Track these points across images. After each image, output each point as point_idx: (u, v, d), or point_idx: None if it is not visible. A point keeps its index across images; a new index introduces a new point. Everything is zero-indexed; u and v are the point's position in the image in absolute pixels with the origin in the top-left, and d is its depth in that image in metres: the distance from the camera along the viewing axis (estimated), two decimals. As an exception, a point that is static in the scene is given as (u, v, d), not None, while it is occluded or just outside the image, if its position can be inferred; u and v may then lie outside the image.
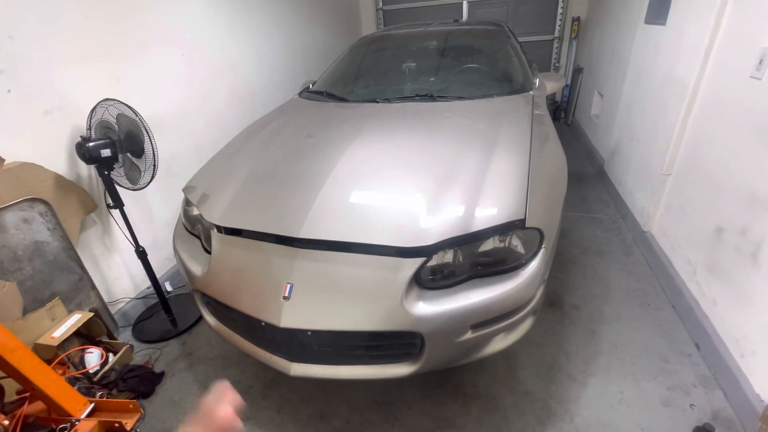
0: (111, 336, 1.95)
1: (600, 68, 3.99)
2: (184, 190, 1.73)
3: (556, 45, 5.16)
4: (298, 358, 1.31)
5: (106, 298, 2.05)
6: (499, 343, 1.34)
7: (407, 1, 5.33)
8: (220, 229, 1.46)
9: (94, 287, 1.94)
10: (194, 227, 1.67)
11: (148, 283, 2.33)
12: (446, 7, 5.22)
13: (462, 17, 5.23)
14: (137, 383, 1.74)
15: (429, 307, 1.18)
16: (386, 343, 1.25)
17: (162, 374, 1.84)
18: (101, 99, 1.76)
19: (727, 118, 1.74)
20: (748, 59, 1.61)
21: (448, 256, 1.27)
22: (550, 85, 2.40)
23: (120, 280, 2.18)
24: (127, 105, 1.74)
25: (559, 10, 4.94)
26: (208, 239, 1.52)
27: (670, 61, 2.25)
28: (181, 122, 2.50)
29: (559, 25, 5.03)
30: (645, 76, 2.63)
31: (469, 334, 1.23)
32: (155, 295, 2.21)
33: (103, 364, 1.78)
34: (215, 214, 1.49)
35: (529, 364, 1.73)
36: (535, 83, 2.32)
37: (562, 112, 5.18)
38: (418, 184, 1.41)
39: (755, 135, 1.54)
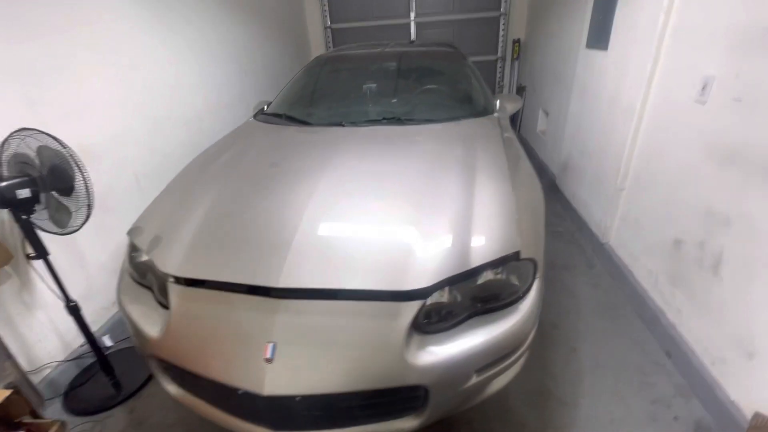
0: (35, 414, 1.60)
1: (543, 87, 4.24)
2: (129, 233, 1.48)
3: (499, 65, 5.44)
4: (283, 426, 1.14)
5: (26, 366, 1.69)
6: (500, 382, 1.28)
7: (355, 20, 5.33)
8: (178, 280, 1.25)
9: (9, 356, 1.59)
10: (144, 277, 1.43)
11: (80, 339, 1.99)
12: (394, 27, 5.29)
13: (411, 37, 5.33)
14: (74, 472, 1.43)
15: (432, 356, 1.08)
16: (386, 399, 1.13)
17: (106, 455, 1.54)
18: (16, 129, 1.47)
19: (676, 137, 1.87)
20: (692, 85, 1.75)
21: (443, 296, 1.19)
22: (509, 106, 2.46)
23: (45, 341, 1.82)
24: (51, 136, 1.47)
25: (501, 32, 5.23)
26: (163, 291, 1.30)
27: (615, 84, 2.41)
28: (118, 149, 2.19)
29: (502, 46, 5.31)
30: (591, 96, 2.81)
31: (474, 379, 1.15)
32: (92, 353, 1.88)
33: (25, 454, 1.45)
34: (171, 262, 1.28)
35: (519, 392, 1.69)
36: (496, 105, 2.36)
37: (509, 127, 5.44)
38: (404, 217, 1.32)
39: (705, 154, 1.66)
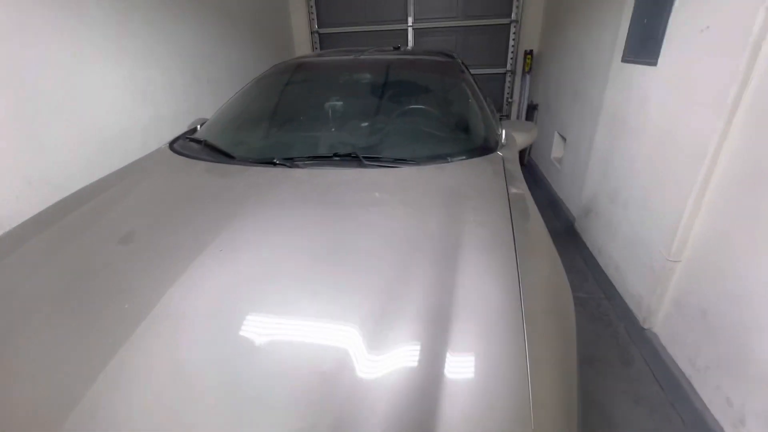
0: None
1: (560, 108, 3.56)
2: None
3: (508, 79, 4.78)
4: None
5: None
6: None
7: (346, 25, 4.72)
8: None
9: None
10: None
11: None
12: (389, 34, 4.67)
13: (407, 45, 4.71)
14: None
15: None
16: None
17: None
18: None
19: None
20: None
21: None
22: (520, 138, 1.78)
23: None
24: None
25: (511, 42, 4.58)
26: None
27: (670, 114, 1.73)
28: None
29: (511, 58, 4.66)
30: (628, 125, 2.12)
31: None
32: None
33: None
34: None
35: None
36: (502, 136, 1.69)
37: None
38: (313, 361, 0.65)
39: None
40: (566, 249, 2.80)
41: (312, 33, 4.81)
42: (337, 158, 1.44)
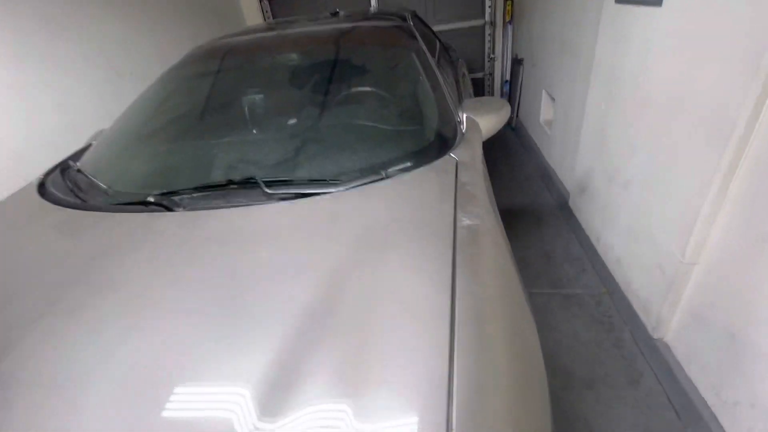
0: None
1: (546, 62, 3.07)
2: None
3: (488, 31, 4.21)
4: None
5: None
6: None
7: (299, -13, 4.12)
8: None
9: None
10: None
11: None
12: (349, -8, 4.06)
13: (371, 5, 4.11)
14: None
15: None
16: None
17: None
18: None
19: None
20: None
21: None
22: (486, 123, 1.38)
23: None
24: None
25: (488, -12, 3.98)
26: None
27: (681, 71, 1.31)
28: None
29: (490, 7, 4.06)
30: (626, 87, 1.70)
31: None
32: None
33: None
34: None
35: None
36: (461, 124, 1.29)
37: (504, 112, 4.27)
38: None
39: None
40: (560, 231, 2.45)
41: (261, 1, 4.20)
42: (234, 186, 1.07)
